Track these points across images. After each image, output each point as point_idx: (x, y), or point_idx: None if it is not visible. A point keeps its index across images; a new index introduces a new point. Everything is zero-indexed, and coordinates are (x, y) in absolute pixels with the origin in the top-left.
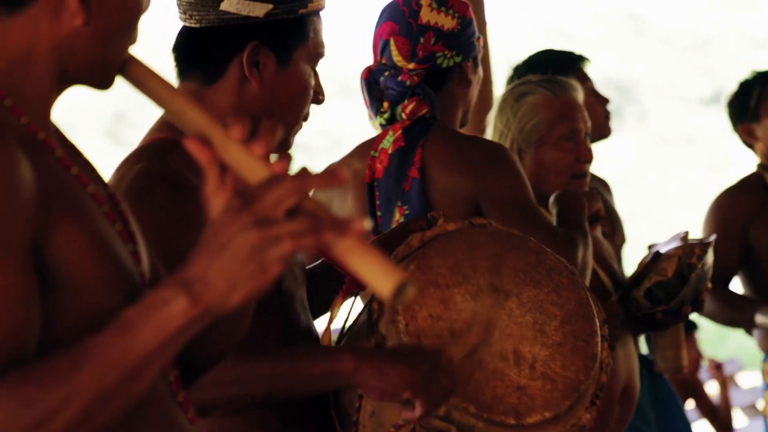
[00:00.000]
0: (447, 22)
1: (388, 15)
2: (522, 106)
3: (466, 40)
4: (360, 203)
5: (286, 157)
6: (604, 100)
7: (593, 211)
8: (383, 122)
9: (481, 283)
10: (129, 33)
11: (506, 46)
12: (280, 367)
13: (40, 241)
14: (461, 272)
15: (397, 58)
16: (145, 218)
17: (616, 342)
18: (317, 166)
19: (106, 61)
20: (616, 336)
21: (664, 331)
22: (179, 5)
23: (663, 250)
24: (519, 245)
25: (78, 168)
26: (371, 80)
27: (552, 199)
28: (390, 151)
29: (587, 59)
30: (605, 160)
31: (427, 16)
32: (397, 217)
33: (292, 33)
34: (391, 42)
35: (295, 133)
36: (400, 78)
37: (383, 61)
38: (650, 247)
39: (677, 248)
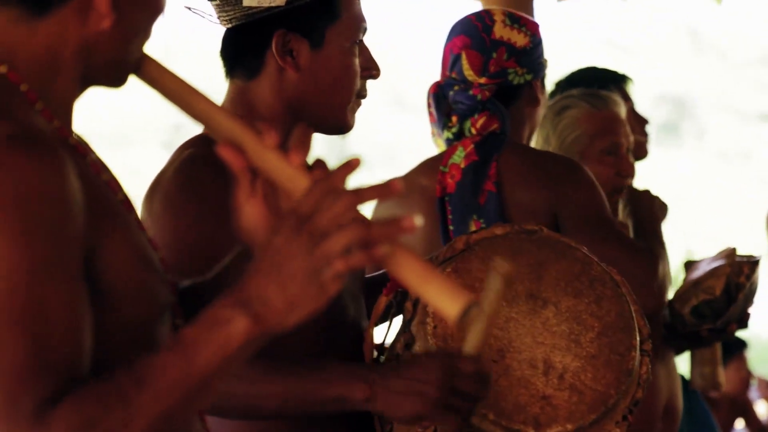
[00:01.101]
0: (520, 39)
1: (460, 29)
2: (563, 119)
3: (536, 58)
4: (429, 218)
5: (322, 165)
6: (644, 121)
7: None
8: (450, 137)
9: (519, 290)
10: (149, 32)
11: (564, 59)
12: (292, 386)
13: (90, 253)
14: None
15: (468, 72)
16: (186, 202)
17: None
18: (373, 179)
19: (125, 60)
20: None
21: (702, 348)
22: (215, 10)
23: (709, 266)
24: (564, 253)
25: (107, 174)
26: (439, 95)
27: (623, 201)
28: (462, 166)
29: (630, 78)
30: (662, 174)
31: (500, 31)
32: None
33: (320, 14)
34: (463, 56)
35: (353, 111)
36: (471, 92)
37: (453, 75)
38: (686, 264)
39: (725, 266)
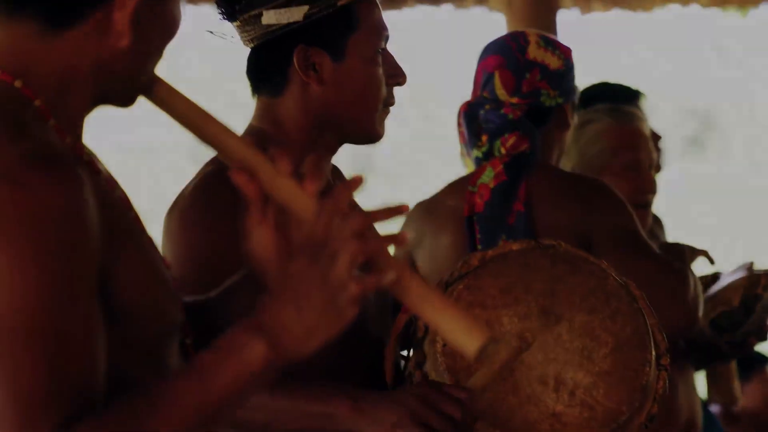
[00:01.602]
0: (553, 62)
1: (494, 49)
2: (585, 133)
3: (568, 82)
4: (457, 238)
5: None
6: (657, 137)
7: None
8: (479, 155)
9: (532, 306)
10: (162, 53)
11: (588, 72)
12: (278, 399)
13: (103, 272)
14: (512, 294)
15: (500, 92)
16: (200, 218)
17: None
18: (400, 192)
19: (138, 80)
20: None
21: (721, 363)
22: (236, 31)
23: (728, 280)
24: (580, 269)
25: (120, 191)
26: (470, 114)
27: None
28: (491, 186)
29: (644, 94)
30: (686, 187)
31: (534, 52)
32: None
33: (338, 26)
34: (496, 75)
35: (381, 120)
36: (502, 110)
37: (485, 94)
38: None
39: (743, 278)
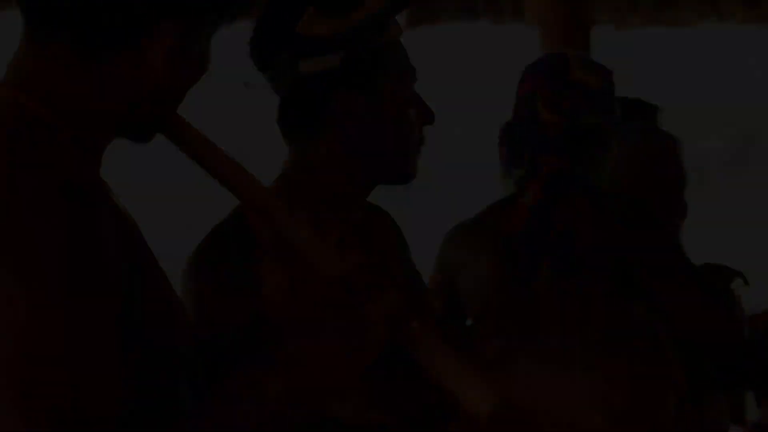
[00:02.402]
0: (594, 82)
1: (534, 69)
2: (613, 150)
3: (609, 103)
4: (498, 259)
5: (355, 247)
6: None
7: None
8: (521, 175)
9: (551, 349)
10: (188, 91)
11: (624, 88)
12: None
13: (124, 306)
14: (532, 336)
15: (541, 111)
16: (197, 274)
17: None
18: (436, 204)
19: (160, 117)
20: None
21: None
22: (269, 80)
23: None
24: (604, 311)
25: (135, 224)
26: (510, 134)
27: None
28: (532, 205)
29: (659, 108)
30: (727, 205)
31: (575, 73)
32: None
33: (372, 69)
34: (537, 95)
35: (413, 160)
36: (543, 131)
37: (525, 114)
38: None
39: None
